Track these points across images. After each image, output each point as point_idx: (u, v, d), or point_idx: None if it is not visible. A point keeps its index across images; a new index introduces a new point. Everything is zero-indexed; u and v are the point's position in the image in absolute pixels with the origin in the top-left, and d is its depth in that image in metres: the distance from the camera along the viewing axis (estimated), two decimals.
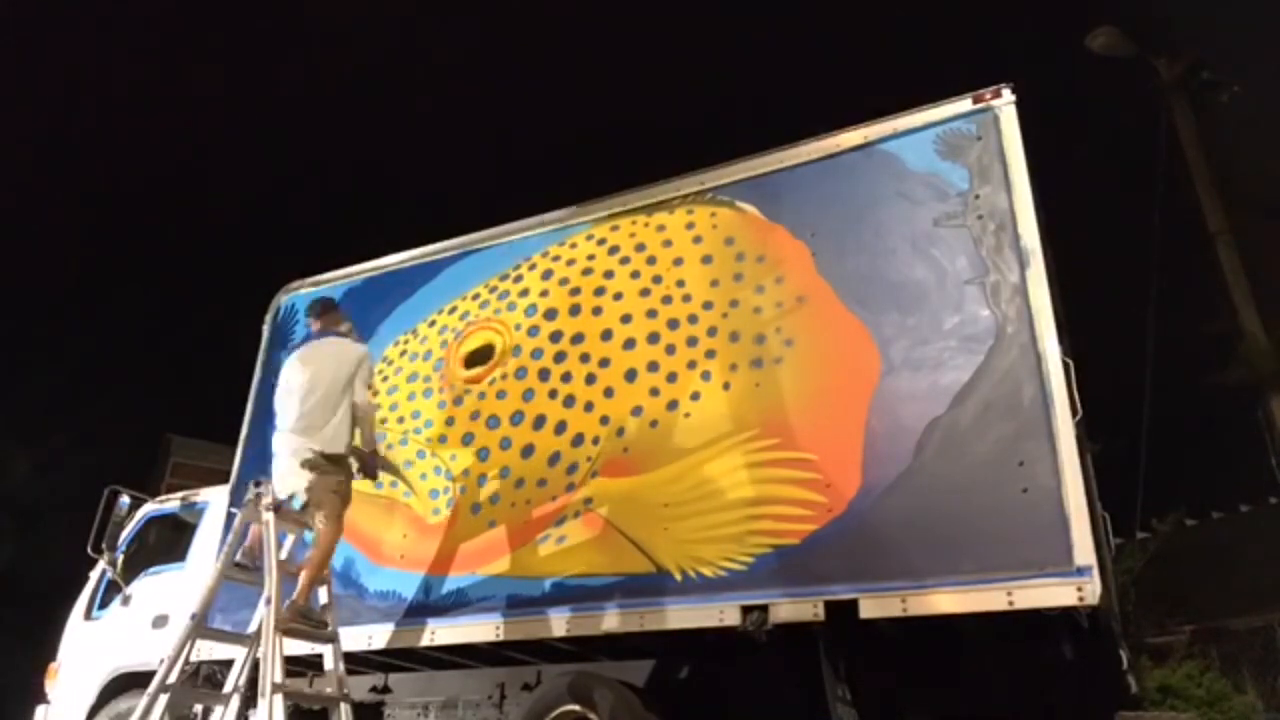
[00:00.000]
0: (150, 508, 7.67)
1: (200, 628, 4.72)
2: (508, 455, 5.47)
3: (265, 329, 6.97)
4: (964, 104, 4.84)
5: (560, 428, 5.35)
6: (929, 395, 4.40)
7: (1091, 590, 3.79)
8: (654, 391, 5.12)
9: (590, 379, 5.37)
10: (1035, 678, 4.62)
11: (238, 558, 4.98)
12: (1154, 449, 10.34)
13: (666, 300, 5.31)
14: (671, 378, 5.10)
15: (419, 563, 5.50)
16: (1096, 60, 10.71)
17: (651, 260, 5.49)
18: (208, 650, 5.46)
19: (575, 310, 5.63)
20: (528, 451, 5.41)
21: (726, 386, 4.93)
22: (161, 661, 4.62)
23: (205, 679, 6.12)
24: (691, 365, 5.07)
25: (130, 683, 6.59)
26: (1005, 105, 4.74)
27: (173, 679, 4.53)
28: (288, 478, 4.85)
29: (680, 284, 5.31)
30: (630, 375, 5.24)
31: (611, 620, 4.79)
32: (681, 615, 4.61)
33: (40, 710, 7.21)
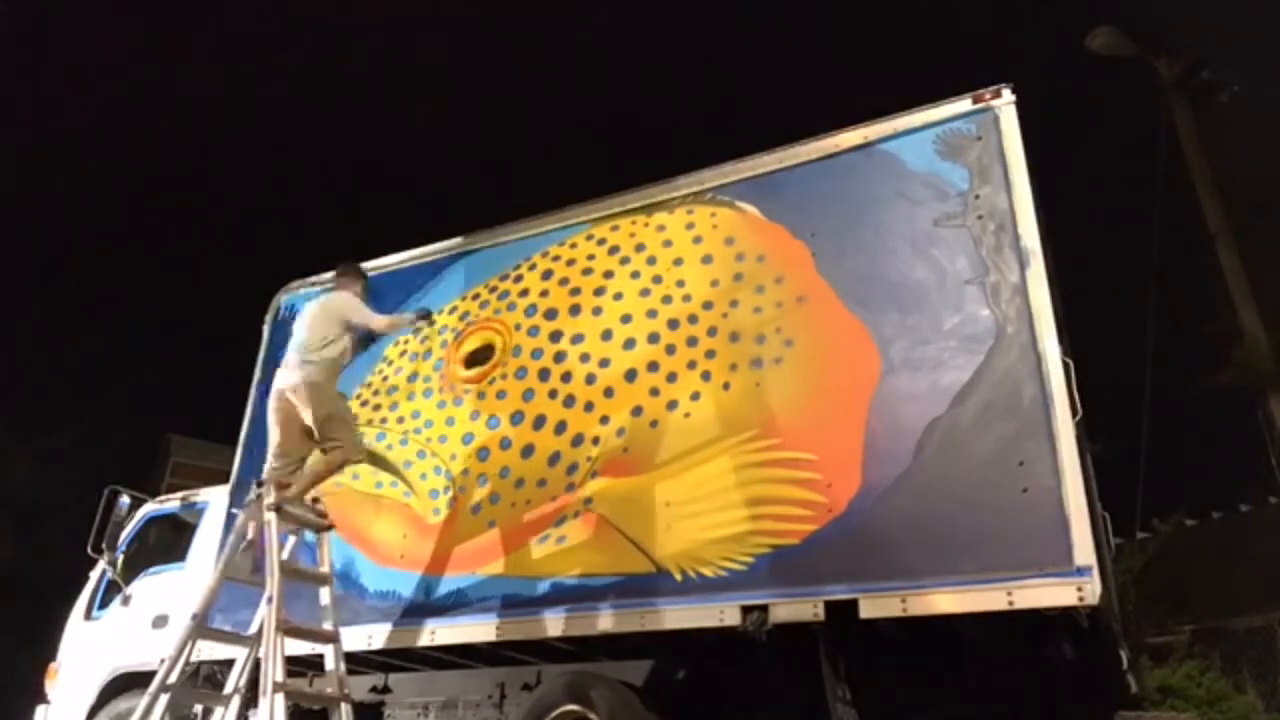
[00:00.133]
0: (150, 508, 7.67)
1: (201, 628, 4.72)
2: (508, 455, 5.47)
3: (265, 329, 6.97)
4: (964, 104, 4.84)
5: (560, 428, 5.35)
6: (929, 395, 4.40)
7: (1091, 590, 3.79)
8: (654, 391, 5.12)
9: (590, 379, 5.37)
10: (1035, 678, 4.61)
11: (239, 554, 4.99)
12: (1154, 449, 10.35)
13: (666, 300, 5.31)
14: (671, 378, 5.10)
15: (419, 563, 5.50)
16: (1096, 60, 10.72)
17: (651, 260, 5.49)
18: (208, 650, 5.45)
19: (575, 310, 5.63)
20: (528, 451, 5.41)
21: (726, 386, 4.93)
22: (162, 661, 4.62)
23: (206, 679, 6.12)
24: (691, 365, 5.07)
25: (130, 683, 6.59)
26: (1005, 105, 4.74)
27: (173, 679, 4.54)
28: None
29: (680, 284, 5.31)
30: (630, 375, 5.24)
31: (611, 620, 4.79)
32: (681, 615, 4.61)
33: (40, 710, 7.22)
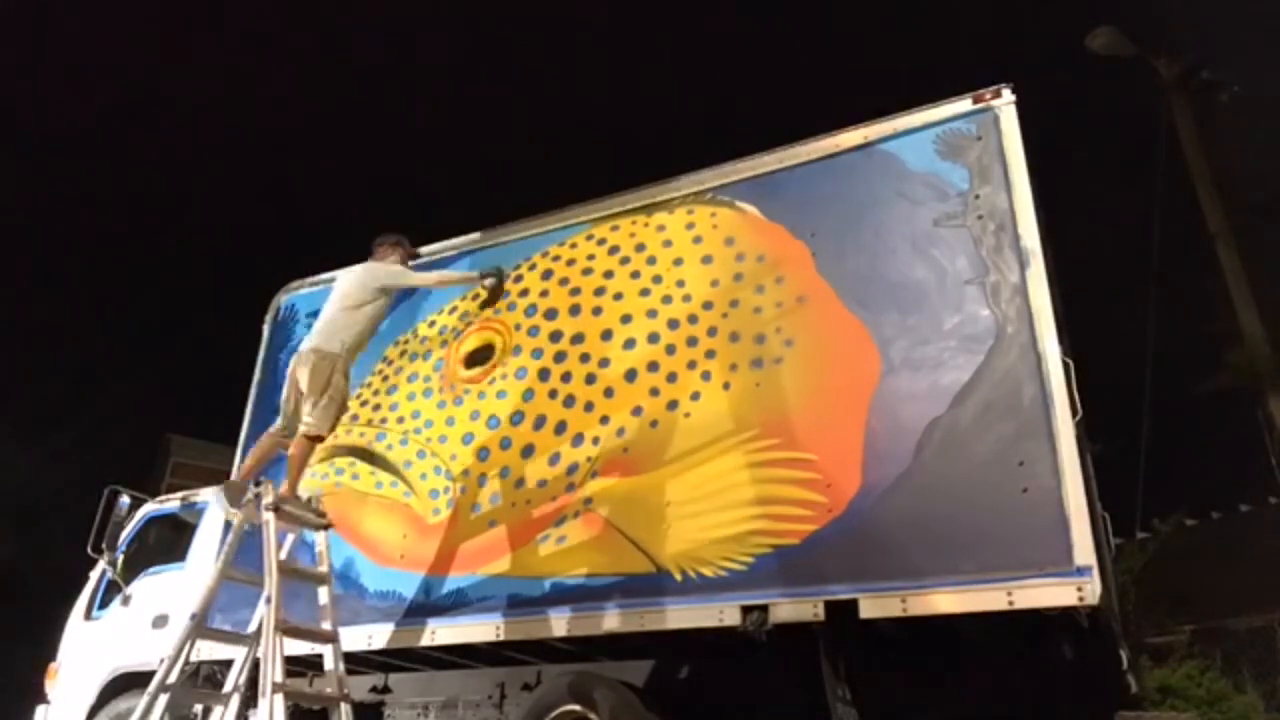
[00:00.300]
0: (150, 508, 7.67)
1: (200, 628, 4.71)
2: (508, 455, 5.47)
3: (265, 329, 6.97)
4: (964, 104, 4.84)
5: (560, 428, 5.35)
6: (929, 395, 4.39)
7: (1091, 590, 3.78)
8: (654, 391, 5.12)
9: (590, 379, 5.37)
10: (1035, 678, 4.61)
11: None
12: (1154, 449, 10.35)
13: (666, 300, 5.31)
14: (671, 378, 5.10)
15: (419, 563, 5.50)
16: (1096, 60, 10.72)
17: (651, 260, 5.49)
18: (208, 650, 5.46)
19: (575, 310, 5.63)
20: (528, 451, 5.41)
21: (726, 386, 4.93)
22: (161, 661, 4.61)
23: (205, 679, 6.13)
24: (691, 365, 5.07)
25: (130, 683, 6.59)
26: (1005, 105, 4.73)
27: (173, 679, 4.53)
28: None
29: (680, 284, 5.31)
30: (630, 375, 5.24)
31: (611, 620, 4.79)
32: (681, 615, 4.61)
33: (40, 710, 7.22)
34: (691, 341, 5.12)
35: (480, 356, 5.88)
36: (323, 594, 4.94)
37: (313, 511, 5.18)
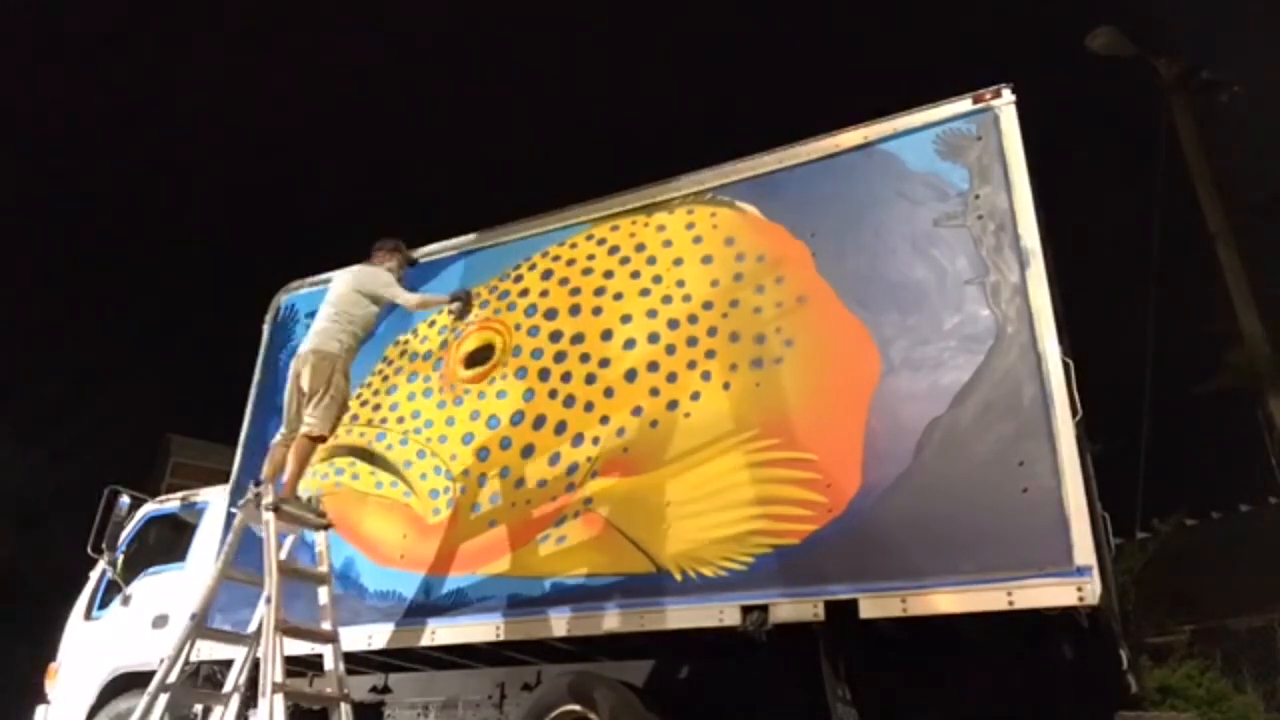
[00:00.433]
0: (150, 508, 7.67)
1: (200, 628, 4.71)
2: (508, 455, 5.47)
3: (265, 329, 6.97)
4: (964, 104, 4.84)
5: (560, 428, 5.35)
6: (929, 395, 4.39)
7: (1091, 590, 3.78)
8: (654, 391, 5.12)
9: (590, 379, 5.37)
10: (1035, 678, 4.61)
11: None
12: (1154, 449, 10.35)
13: (666, 300, 5.31)
14: (671, 378, 5.10)
15: (419, 563, 5.50)
16: (1096, 60, 10.72)
17: (651, 260, 5.49)
18: (208, 650, 5.46)
19: (575, 310, 5.63)
20: (528, 451, 5.41)
21: (726, 386, 4.93)
22: (161, 661, 4.61)
23: (205, 679, 6.12)
24: (691, 365, 5.07)
25: (130, 683, 6.59)
26: (1005, 105, 4.73)
27: (173, 679, 4.53)
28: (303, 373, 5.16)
29: (680, 284, 5.31)
30: (630, 375, 5.24)
31: (612, 620, 4.79)
32: (681, 615, 4.61)
33: (40, 710, 7.21)
34: (691, 341, 5.12)
35: (480, 356, 5.88)
36: (323, 594, 4.94)
37: (313, 511, 5.19)
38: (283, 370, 5.57)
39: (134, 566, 7.35)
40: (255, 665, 4.65)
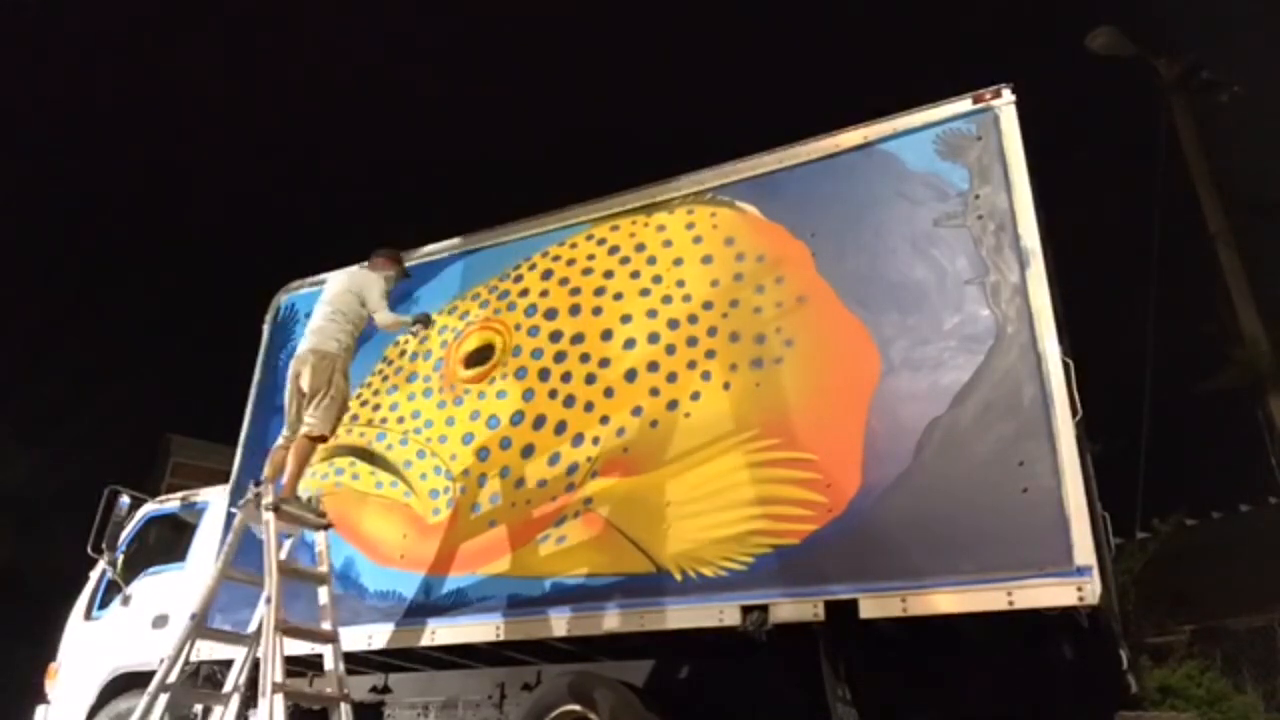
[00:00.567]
0: (150, 508, 7.67)
1: (200, 628, 4.72)
2: (508, 455, 5.47)
3: (265, 329, 6.98)
4: (964, 104, 4.84)
5: (560, 428, 5.35)
6: (929, 395, 4.40)
7: (1091, 590, 3.78)
8: (654, 391, 5.12)
9: (590, 379, 5.37)
10: (1035, 678, 4.61)
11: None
12: (1154, 449, 10.34)
13: (666, 300, 5.31)
14: (671, 378, 5.10)
15: (419, 563, 5.50)
16: (1096, 60, 10.72)
17: (651, 260, 5.49)
18: (208, 650, 5.46)
19: (575, 310, 5.63)
20: (528, 451, 5.41)
21: (726, 386, 4.93)
22: (161, 661, 4.62)
23: (205, 679, 6.13)
24: (691, 365, 5.07)
25: (130, 683, 6.59)
26: (1005, 105, 4.74)
27: (173, 679, 4.53)
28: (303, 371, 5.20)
29: (680, 284, 5.31)
30: (630, 375, 5.24)
31: (612, 620, 4.79)
32: (681, 615, 4.61)
33: (40, 710, 7.22)
34: (691, 341, 5.12)
35: (480, 356, 5.88)
36: (323, 594, 4.94)
37: (313, 511, 5.19)
38: (282, 370, 5.57)
39: (134, 566, 7.35)
40: (255, 665, 4.65)
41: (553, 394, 5.46)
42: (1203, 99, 10.59)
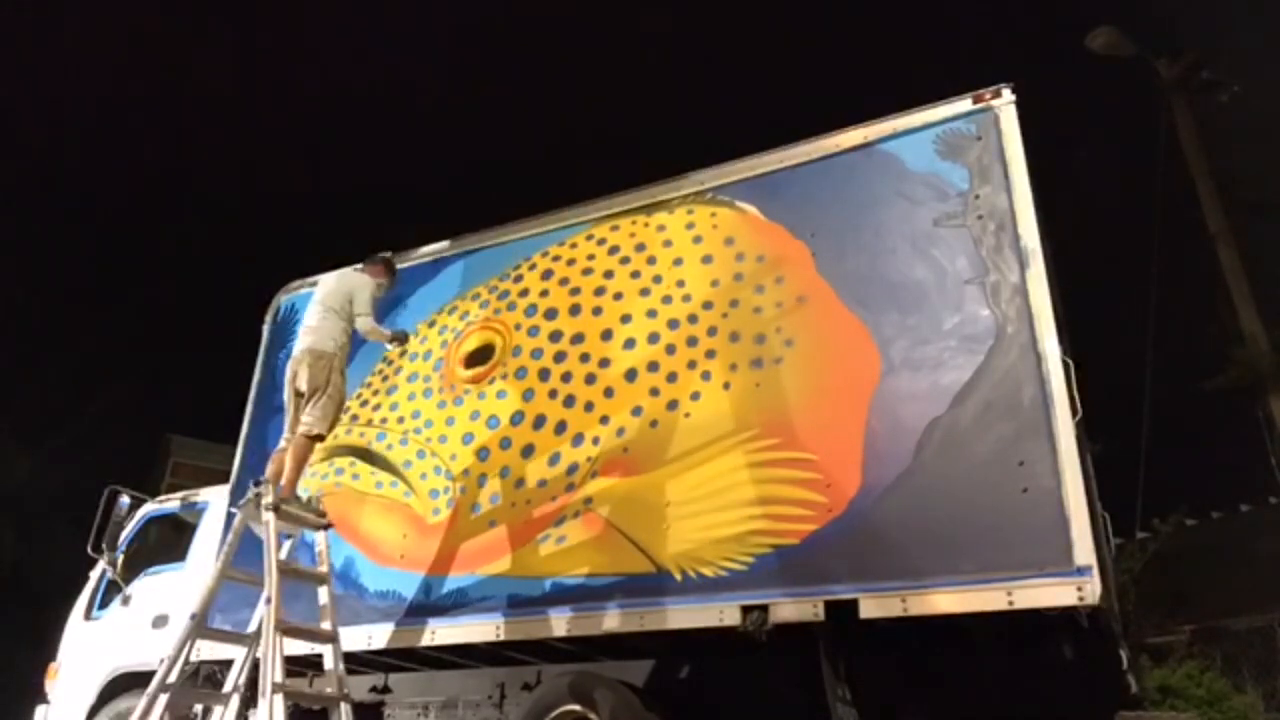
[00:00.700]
0: (150, 508, 7.67)
1: (200, 628, 4.71)
2: (508, 455, 5.47)
3: (265, 329, 6.97)
4: (964, 104, 4.84)
5: (560, 428, 5.35)
6: (929, 395, 4.40)
7: (1091, 590, 3.79)
8: (654, 391, 5.12)
9: (590, 379, 5.37)
10: (1035, 678, 4.61)
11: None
12: (1154, 449, 10.34)
13: (666, 300, 5.31)
14: (671, 378, 5.10)
15: (419, 563, 5.50)
16: (1096, 60, 10.71)
17: (651, 260, 5.49)
18: (208, 650, 5.45)
19: (575, 310, 5.63)
20: (528, 451, 5.41)
21: (727, 386, 4.93)
22: (161, 661, 4.61)
23: (205, 679, 6.12)
24: (691, 365, 5.07)
25: (130, 683, 6.59)
26: (1005, 105, 4.74)
27: (173, 679, 4.53)
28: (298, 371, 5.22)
29: (680, 284, 5.31)
30: (630, 375, 5.24)
31: (612, 620, 4.79)
32: (681, 615, 4.61)
33: (40, 710, 7.21)
34: (691, 341, 5.12)
35: (480, 356, 5.88)
36: (323, 594, 4.94)
37: (313, 511, 5.19)
38: (282, 370, 5.57)
39: (134, 566, 7.35)
40: (255, 665, 4.64)
41: (553, 394, 5.46)
42: (1203, 99, 10.58)
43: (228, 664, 5.22)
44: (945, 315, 4.52)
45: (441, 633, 5.25)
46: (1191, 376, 10.90)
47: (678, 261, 5.38)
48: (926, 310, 4.57)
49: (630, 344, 5.32)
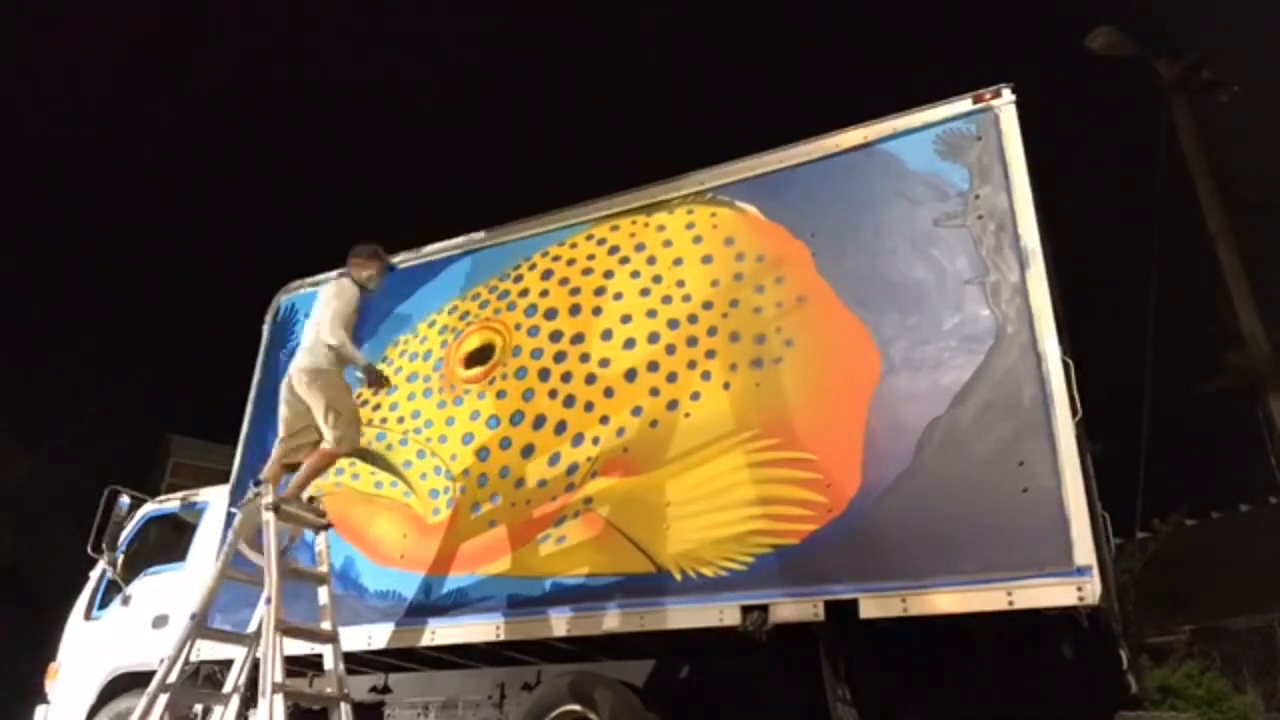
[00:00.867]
0: (150, 508, 7.67)
1: (200, 628, 4.71)
2: (508, 455, 5.47)
3: (265, 329, 6.97)
4: (964, 104, 4.84)
5: (560, 428, 5.35)
6: (929, 395, 4.40)
7: (1091, 590, 3.79)
8: (654, 391, 5.12)
9: (590, 379, 5.37)
10: (1035, 678, 4.61)
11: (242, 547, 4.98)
12: (1154, 449, 10.34)
13: (666, 300, 5.31)
14: (671, 378, 5.10)
15: (419, 563, 5.50)
16: (1096, 60, 10.71)
17: (651, 260, 5.49)
18: (208, 650, 5.45)
19: (575, 310, 5.63)
20: (528, 451, 5.41)
21: (727, 386, 4.93)
22: (161, 661, 4.61)
23: (205, 679, 6.12)
24: (691, 365, 5.07)
25: (130, 683, 6.59)
26: (1005, 105, 4.74)
27: (173, 679, 4.53)
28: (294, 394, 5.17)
29: (680, 284, 5.31)
30: (630, 375, 5.24)
31: (612, 620, 4.79)
32: (681, 615, 4.61)
33: (40, 710, 7.22)
34: (691, 341, 5.12)
35: (480, 356, 5.88)
36: (323, 594, 4.95)
37: (313, 511, 5.19)
38: (282, 370, 5.57)
39: (134, 566, 7.35)
40: (255, 665, 4.64)
41: (553, 394, 5.46)
42: (1203, 99, 10.58)
43: (228, 664, 5.22)
44: (945, 315, 4.52)
45: (441, 633, 5.25)
46: (1191, 376, 10.91)
47: (678, 261, 5.38)
48: (926, 310, 4.57)
49: (630, 344, 5.32)
